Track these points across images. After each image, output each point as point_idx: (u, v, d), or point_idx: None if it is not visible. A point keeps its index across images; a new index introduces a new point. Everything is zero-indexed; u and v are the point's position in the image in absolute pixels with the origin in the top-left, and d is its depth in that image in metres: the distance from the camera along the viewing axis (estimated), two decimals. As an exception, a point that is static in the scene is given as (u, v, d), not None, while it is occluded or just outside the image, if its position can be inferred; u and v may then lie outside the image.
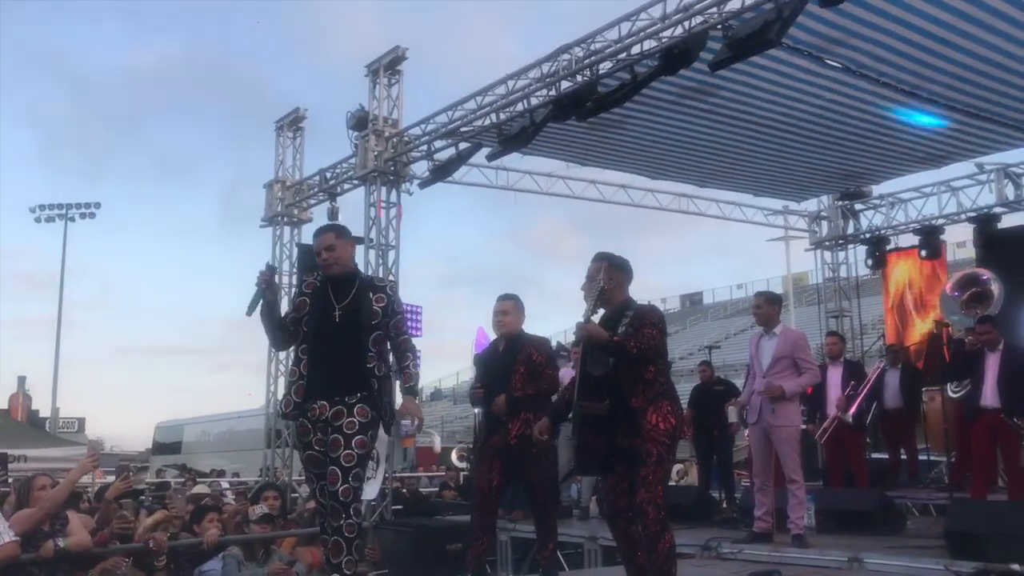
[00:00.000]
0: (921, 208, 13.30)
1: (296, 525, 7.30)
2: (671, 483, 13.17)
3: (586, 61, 8.32)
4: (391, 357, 4.59)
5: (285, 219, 13.23)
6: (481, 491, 6.08)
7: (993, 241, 12.40)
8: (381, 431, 4.57)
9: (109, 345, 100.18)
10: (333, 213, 12.04)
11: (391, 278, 10.90)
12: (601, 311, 4.45)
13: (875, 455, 10.60)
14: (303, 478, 5.94)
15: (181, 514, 6.78)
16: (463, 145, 10.16)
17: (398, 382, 4.72)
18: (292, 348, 4.60)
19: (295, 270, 12.60)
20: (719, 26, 7.30)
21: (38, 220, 30.88)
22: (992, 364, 7.45)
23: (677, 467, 16.40)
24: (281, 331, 4.50)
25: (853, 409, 8.72)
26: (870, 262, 14.00)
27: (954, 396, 8.94)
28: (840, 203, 13.95)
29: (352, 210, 12.05)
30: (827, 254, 14.60)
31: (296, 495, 11.12)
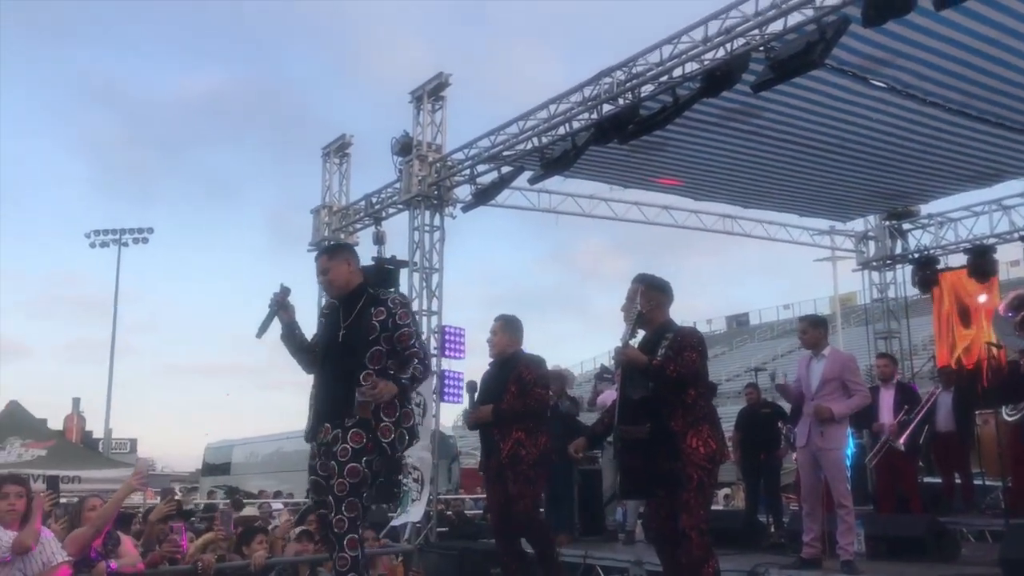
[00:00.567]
0: (972, 227, 13.06)
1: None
2: (718, 507, 13.05)
3: (627, 84, 8.35)
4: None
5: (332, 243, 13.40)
6: (494, 514, 6.06)
7: (1047, 260, 12.12)
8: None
9: (160, 366, 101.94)
10: (379, 237, 12.18)
11: (436, 300, 10.99)
12: (641, 333, 4.45)
13: (927, 479, 10.38)
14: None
15: (229, 536, 6.86)
16: (505, 169, 10.24)
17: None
18: None
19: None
20: (761, 48, 7.29)
21: (93, 245, 31.66)
22: (1049, 386, 7.27)
23: (724, 491, 16.21)
24: (306, 354, 4.38)
25: (904, 437, 8.55)
26: (919, 283, 13.75)
27: (1009, 419, 8.74)
28: (887, 223, 13.76)
29: (397, 234, 12.19)
30: (875, 274, 14.38)
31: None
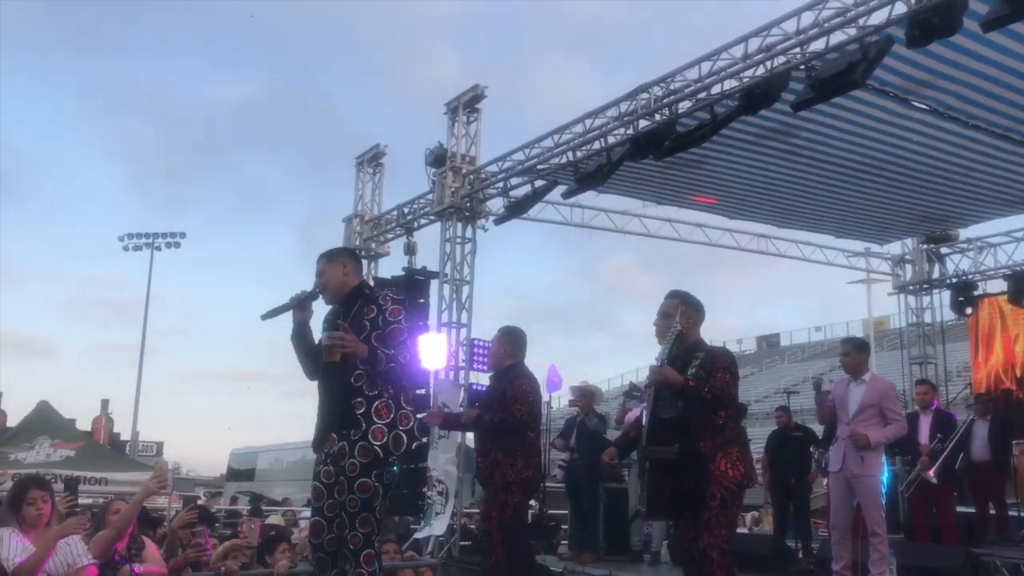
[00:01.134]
0: (1012, 253, 12.83)
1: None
2: (744, 530, 12.87)
3: (665, 100, 8.30)
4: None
5: (363, 253, 13.44)
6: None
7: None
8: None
9: (188, 371, 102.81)
10: (410, 248, 12.19)
11: (465, 312, 10.97)
12: (664, 349, 4.37)
13: (960, 509, 10.16)
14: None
15: (252, 543, 6.84)
16: (539, 182, 10.21)
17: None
18: None
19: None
20: (802, 66, 7.21)
21: (126, 248, 31.97)
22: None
23: (751, 514, 16.00)
24: (312, 359, 4.25)
25: (935, 469, 8.36)
26: (957, 308, 13.51)
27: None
28: (925, 246, 13.56)
29: (428, 245, 12.20)
30: (911, 298, 14.16)
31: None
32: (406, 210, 12.47)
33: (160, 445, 31.52)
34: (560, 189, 10.05)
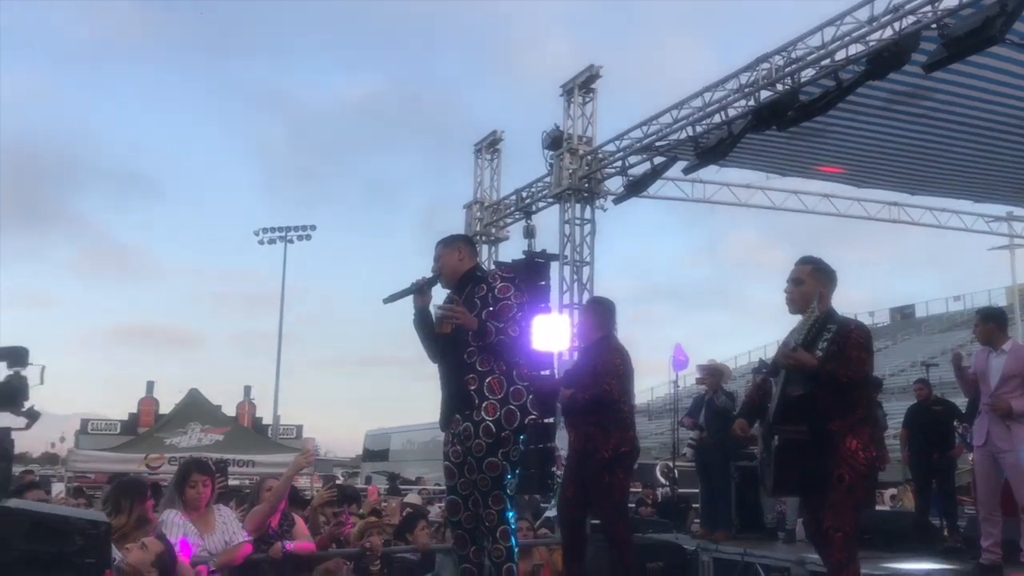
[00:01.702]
0: None
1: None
2: (883, 507, 12.48)
3: (787, 69, 8.10)
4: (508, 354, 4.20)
5: (483, 238, 13.64)
6: (561, 502, 5.70)
7: None
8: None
9: (323, 357, 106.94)
10: (529, 231, 12.29)
11: (586, 293, 11.00)
12: (797, 318, 4.21)
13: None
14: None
15: (393, 521, 7.11)
16: (658, 159, 10.13)
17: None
18: None
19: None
20: (933, 25, 6.90)
21: (261, 242, 33.43)
22: None
23: (890, 491, 15.48)
24: (434, 343, 4.34)
25: None
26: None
27: None
28: (1075, 207, 12.76)
29: (547, 228, 12.29)
30: (1060, 263, 13.38)
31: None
32: (524, 194, 12.58)
33: (299, 428, 32.81)
34: (680, 165, 9.94)
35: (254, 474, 13.91)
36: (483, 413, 4.10)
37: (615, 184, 11.09)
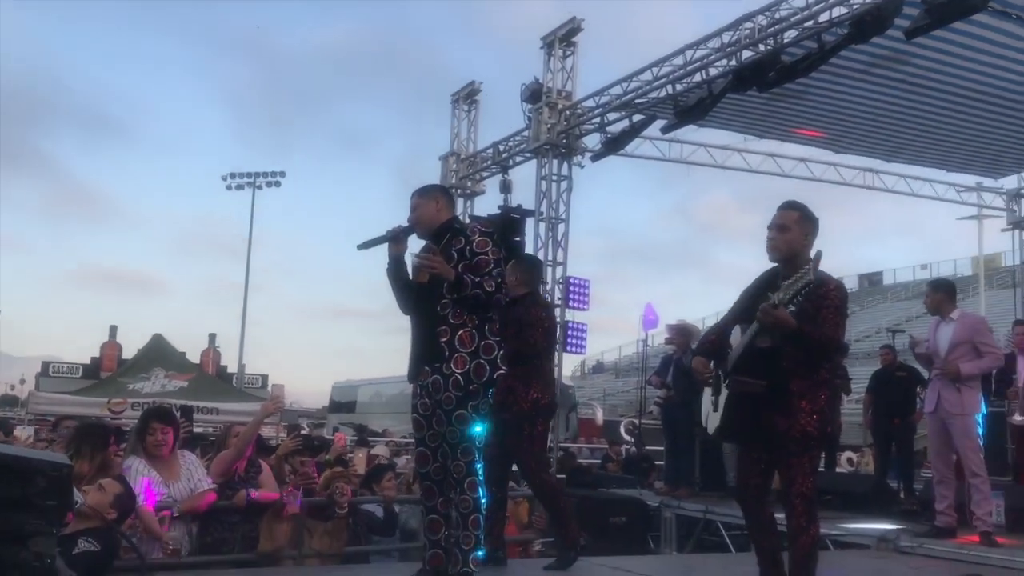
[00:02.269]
0: None
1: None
2: (843, 470, 12.69)
3: (770, 30, 8.04)
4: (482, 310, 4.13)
5: (459, 191, 13.54)
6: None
7: None
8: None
9: (290, 307, 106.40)
10: (505, 186, 12.22)
11: (561, 250, 10.99)
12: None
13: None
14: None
15: (360, 471, 7.10)
16: (637, 117, 10.07)
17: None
18: None
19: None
20: (917, -11, 6.87)
21: (229, 188, 32.97)
22: None
23: (850, 455, 15.73)
24: (407, 292, 4.29)
25: (1019, 411, 7.99)
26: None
27: None
28: (1044, 180, 12.89)
29: (524, 183, 12.21)
30: (1027, 235, 13.54)
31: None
32: (502, 148, 12.47)
33: (265, 377, 32.69)
34: (658, 124, 9.88)
35: (218, 422, 13.81)
36: (453, 366, 4.07)
37: (593, 141, 11.04)
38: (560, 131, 10.85)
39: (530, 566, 6.01)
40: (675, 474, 9.12)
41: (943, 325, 6.37)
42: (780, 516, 3.85)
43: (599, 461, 14.94)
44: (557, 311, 10.87)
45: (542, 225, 10.97)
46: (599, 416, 24.57)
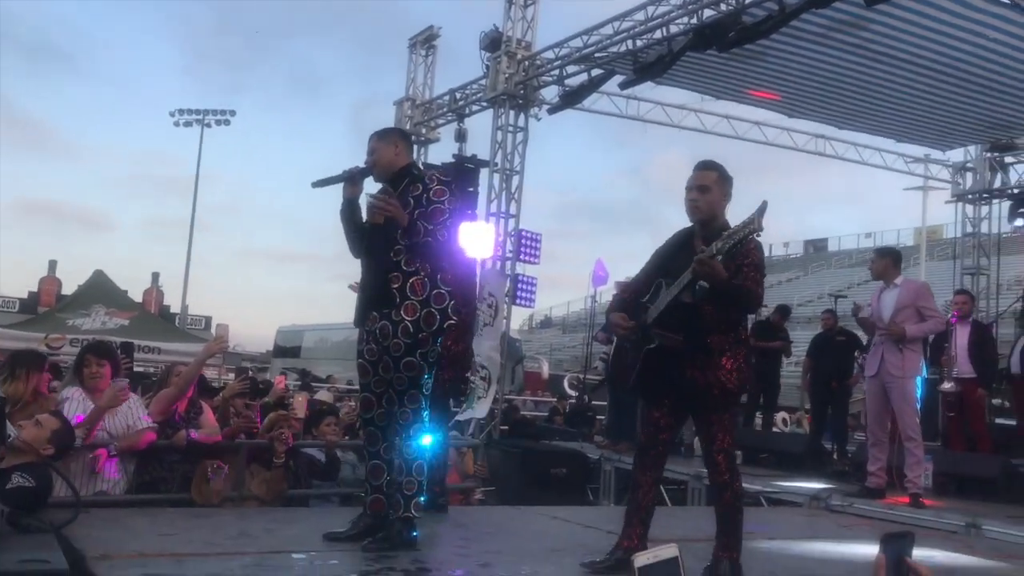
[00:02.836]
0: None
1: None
2: (779, 430, 12.99)
3: (732, -11, 7.99)
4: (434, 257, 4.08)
5: (414, 137, 13.35)
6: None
7: None
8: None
9: (237, 248, 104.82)
10: (460, 135, 12.08)
11: (514, 203, 10.93)
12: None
13: (999, 421, 10.14)
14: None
15: (300, 415, 7.05)
16: (596, 71, 10.00)
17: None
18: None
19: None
20: (880, -44, 6.87)
21: (176, 124, 32.22)
22: None
23: (782, 415, 16.09)
24: (359, 235, 4.23)
25: (948, 380, 8.18)
26: (1019, 221, 13.14)
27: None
28: (989, 154, 13.13)
29: (479, 133, 12.09)
30: (969, 208, 13.81)
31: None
32: (458, 95, 12.31)
33: (208, 319, 32.25)
34: (617, 79, 9.82)
35: (160, 361, 13.60)
36: (402, 313, 4.02)
37: (550, 93, 10.95)
38: (518, 81, 10.73)
39: (470, 513, 6.07)
40: (617, 429, 9.25)
41: (887, 291, 6.51)
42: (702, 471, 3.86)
43: (545, 414, 15.11)
44: (507, 263, 10.87)
45: (496, 176, 10.89)
46: (545, 370, 24.78)
